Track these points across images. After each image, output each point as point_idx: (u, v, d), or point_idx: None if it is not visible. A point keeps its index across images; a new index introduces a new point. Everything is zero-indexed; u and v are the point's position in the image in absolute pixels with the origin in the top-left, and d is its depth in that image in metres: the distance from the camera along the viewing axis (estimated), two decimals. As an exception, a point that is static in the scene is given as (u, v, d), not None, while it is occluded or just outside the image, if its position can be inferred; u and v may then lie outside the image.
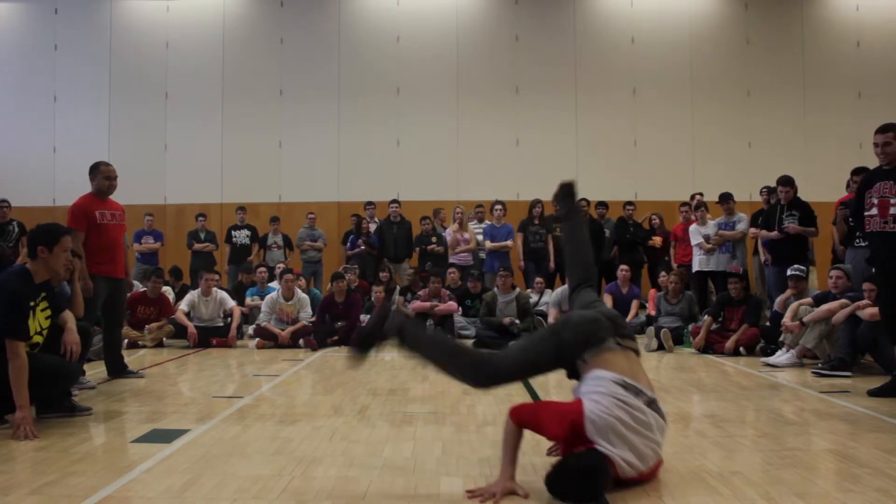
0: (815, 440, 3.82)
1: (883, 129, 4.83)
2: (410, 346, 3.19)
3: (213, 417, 4.29)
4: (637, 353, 3.09)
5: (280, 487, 2.95)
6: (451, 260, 9.96)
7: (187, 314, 8.28)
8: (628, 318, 8.39)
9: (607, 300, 8.78)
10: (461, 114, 12.74)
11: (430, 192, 12.29)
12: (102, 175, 5.73)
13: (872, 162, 5.20)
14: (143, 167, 12.37)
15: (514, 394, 5.13)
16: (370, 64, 12.79)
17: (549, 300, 8.59)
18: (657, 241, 10.16)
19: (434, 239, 10.27)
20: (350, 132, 12.79)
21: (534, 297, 9.14)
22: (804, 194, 8.11)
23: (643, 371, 3.01)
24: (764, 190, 9.53)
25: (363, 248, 10.33)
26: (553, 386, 5.26)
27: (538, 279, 9.53)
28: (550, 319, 8.10)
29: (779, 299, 7.26)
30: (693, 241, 9.20)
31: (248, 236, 11.26)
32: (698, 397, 5.05)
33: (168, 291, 8.94)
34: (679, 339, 7.88)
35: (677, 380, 5.74)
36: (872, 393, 4.93)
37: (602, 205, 10.75)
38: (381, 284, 9.61)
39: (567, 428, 2.77)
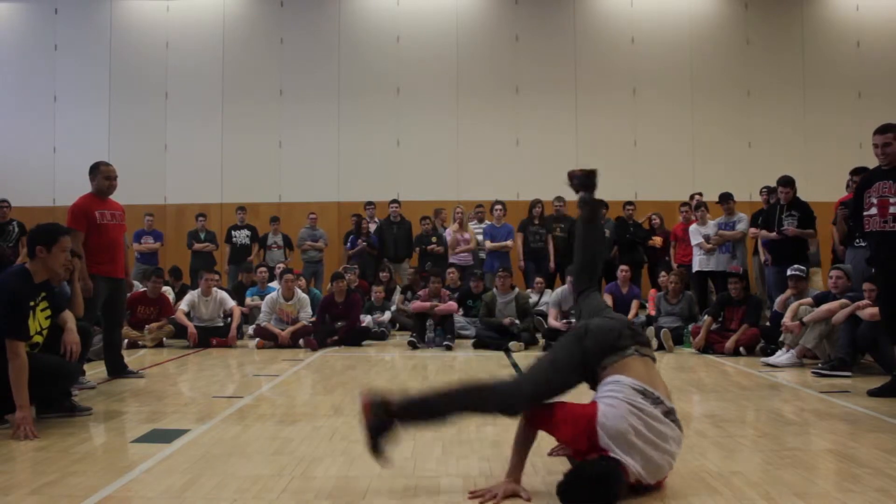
0: (815, 440, 3.82)
1: (882, 130, 4.83)
2: (417, 418, 2.93)
3: (213, 417, 4.29)
4: (654, 360, 3.00)
5: (280, 487, 2.95)
6: (451, 260, 9.97)
7: (187, 314, 8.28)
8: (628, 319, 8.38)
9: (607, 300, 8.77)
10: (461, 114, 12.74)
11: (430, 192, 12.29)
12: (102, 175, 5.73)
13: (872, 162, 5.20)
14: (143, 167, 12.37)
15: (514, 394, 5.13)
16: (370, 64, 12.79)
17: (549, 300, 8.58)
18: (657, 241, 10.16)
19: (434, 239, 10.27)
20: (350, 132, 12.79)
21: (534, 297, 9.13)
22: (804, 194, 8.12)
23: (661, 379, 2.91)
24: (764, 190, 9.54)
25: (363, 245, 10.33)
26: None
27: (538, 279, 9.53)
28: (551, 319, 8.09)
29: (779, 299, 7.26)
30: (693, 241, 9.20)
31: (248, 236, 11.26)
32: (698, 397, 5.05)
33: (168, 291, 8.94)
34: (679, 339, 7.88)
35: (677, 380, 5.74)
36: (872, 393, 4.93)
37: (600, 202, 10.72)
38: (381, 284, 9.62)
39: (580, 432, 2.71)
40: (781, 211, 7.80)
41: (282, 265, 10.20)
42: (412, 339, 8.06)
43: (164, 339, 8.18)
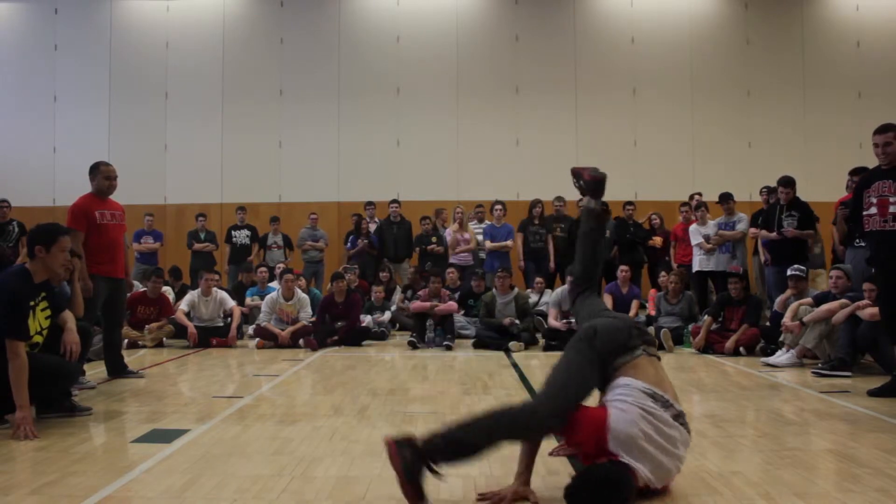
0: (815, 440, 3.82)
1: (882, 130, 4.83)
2: (449, 456, 2.69)
3: (213, 417, 4.29)
4: (659, 359, 2.98)
5: (280, 487, 2.95)
6: (451, 260, 9.97)
7: (187, 314, 8.28)
8: (628, 318, 8.38)
9: (607, 300, 8.78)
10: (461, 114, 12.74)
11: (430, 192, 12.29)
12: (102, 175, 5.73)
13: (872, 162, 5.19)
14: (143, 167, 12.37)
15: (514, 394, 5.13)
16: (370, 64, 12.80)
17: (549, 300, 8.58)
18: (657, 241, 10.16)
19: (434, 239, 10.27)
20: (350, 132, 12.79)
21: (534, 298, 9.13)
22: (804, 194, 8.11)
23: (668, 380, 2.89)
24: (764, 190, 9.54)
25: (363, 244, 10.34)
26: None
27: (538, 279, 9.53)
28: (551, 319, 8.10)
29: (779, 299, 7.27)
30: (693, 241, 9.20)
31: (248, 236, 11.26)
32: (698, 397, 5.05)
33: (168, 291, 8.94)
34: (679, 339, 7.89)
35: (677, 380, 5.73)
36: (872, 393, 4.93)
37: (603, 205, 10.71)
38: (381, 284, 9.62)
39: (590, 436, 2.67)
40: (781, 211, 7.80)
41: (282, 265, 10.20)
42: (412, 339, 8.06)
43: (164, 339, 8.18)
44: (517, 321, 8.00)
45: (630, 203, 10.67)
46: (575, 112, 12.70)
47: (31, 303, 3.97)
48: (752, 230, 8.81)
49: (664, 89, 12.69)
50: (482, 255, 10.13)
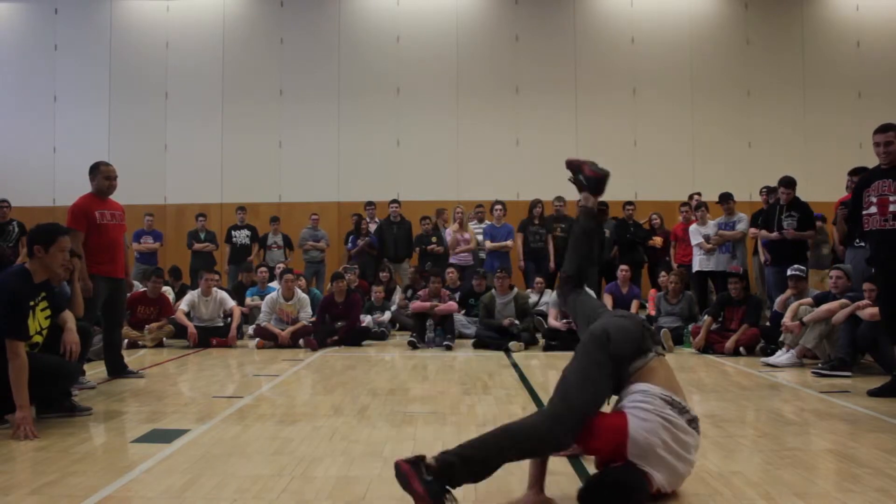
0: (815, 440, 3.82)
1: (883, 129, 4.82)
2: (464, 476, 2.61)
3: (213, 417, 4.29)
4: (664, 356, 2.94)
5: (280, 487, 2.95)
6: (451, 260, 9.97)
7: (187, 314, 8.28)
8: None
9: (607, 300, 8.79)
10: (461, 114, 12.74)
11: (430, 192, 12.29)
12: (102, 175, 5.73)
13: (872, 162, 5.19)
14: (143, 167, 12.37)
15: (514, 394, 5.13)
16: (370, 64, 12.80)
17: (549, 300, 8.58)
18: (657, 241, 10.15)
19: (434, 239, 10.27)
20: (350, 132, 12.79)
21: (534, 298, 9.13)
22: (804, 194, 8.11)
23: (676, 380, 2.87)
24: (763, 190, 9.54)
25: (362, 243, 10.35)
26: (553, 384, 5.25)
27: (538, 279, 9.53)
28: (551, 319, 8.09)
29: (779, 299, 7.27)
30: (693, 241, 9.20)
31: (248, 236, 11.27)
32: (698, 397, 5.05)
33: (168, 291, 8.94)
34: (679, 339, 7.89)
35: (677, 379, 5.73)
36: (872, 393, 4.93)
37: (602, 205, 10.74)
38: (381, 284, 9.62)
39: (610, 443, 2.62)
40: (781, 211, 7.79)
41: (282, 265, 10.20)
42: (412, 339, 8.06)
43: (164, 339, 8.18)
44: (517, 321, 8.00)
45: (630, 203, 10.67)
46: (575, 112, 12.70)
47: (31, 303, 3.97)
48: (752, 230, 8.81)
49: (664, 89, 12.69)
50: (482, 255, 10.13)
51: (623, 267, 9.12)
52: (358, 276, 9.58)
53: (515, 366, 6.58)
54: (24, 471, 3.23)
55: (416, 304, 8.45)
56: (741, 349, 7.13)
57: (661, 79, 12.69)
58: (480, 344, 7.97)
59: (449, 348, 7.83)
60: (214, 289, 8.48)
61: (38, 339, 4.06)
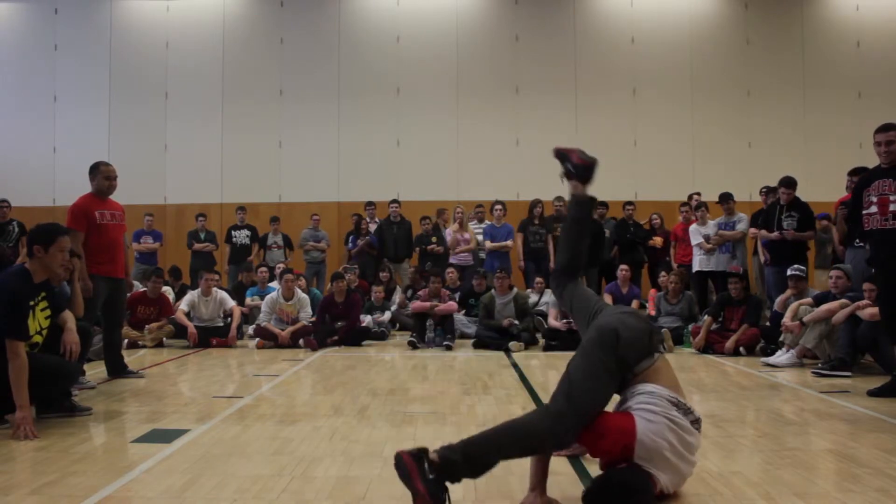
0: (815, 440, 3.82)
1: (885, 129, 4.80)
2: (469, 472, 2.60)
3: (213, 417, 4.29)
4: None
5: (280, 487, 2.95)
6: (451, 260, 9.98)
7: (187, 314, 8.28)
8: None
9: (607, 300, 8.77)
10: (461, 114, 12.74)
11: (430, 192, 12.29)
12: (102, 175, 5.73)
13: (872, 162, 5.19)
14: (143, 167, 12.38)
15: (514, 394, 5.13)
16: (370, 64, 12.80)
17: (549, 300, 8.58)
18: (658, 241, 10.15)
19: (434, 239, 10.27)
20: (350, 132, 12.79)
21: (534, 298, 9.13)
22: (804, 194, 8.11)
23: (678, 380, 2.86)
24: (763, 190, 9.53)
25: (362, 243, 10.36)
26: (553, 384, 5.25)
27: (538, 279, 9.53)
28: (551, 319, 8.09)
29: (779, 299, 7.26)
30: (693, 241, 9.20)
31: (248, 236, 11.27)
32: (698, 397, 5.05)
33: (168, 291, 8.94)
34: (679, 339, 7.89)
35: (678, 379, 5.73)
36: (872, 393, 4.93)
37: (602, 205, 10.74)
38: (381, 284, 9.62)
39: (617, 445, 2.60)
40: (781, 211, 7.79)
41: (282, 265, 10.20)
42: (412, 339, 8.06)
43: (164, 339, 8.18)
44: (516, 322, 8.00)
45: (630, 203, 10.67)
46: (575, 112, 12.70)
47: (31, 303, 3.97)
48: (752, 230, 8.81)
49: (664, 89, 12.69)
50: (482, 255, 10.13)
51: (623, 267, 9.12)
52: (358, 276, 9.58)
53: (515, 366, 6.58)
54: (24, 471, 3.23)
55: (416, 304, 8.45)
56: (741, 349, 7.13)
57: (661, 79, 12.69)
58: (480, 344, 7.97)
59: (449, 348, 7.83)
60: (214, 289, 8.48)
61: (38, 339, 4.06)
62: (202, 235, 11.31)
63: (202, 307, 8.34)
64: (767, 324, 7.46)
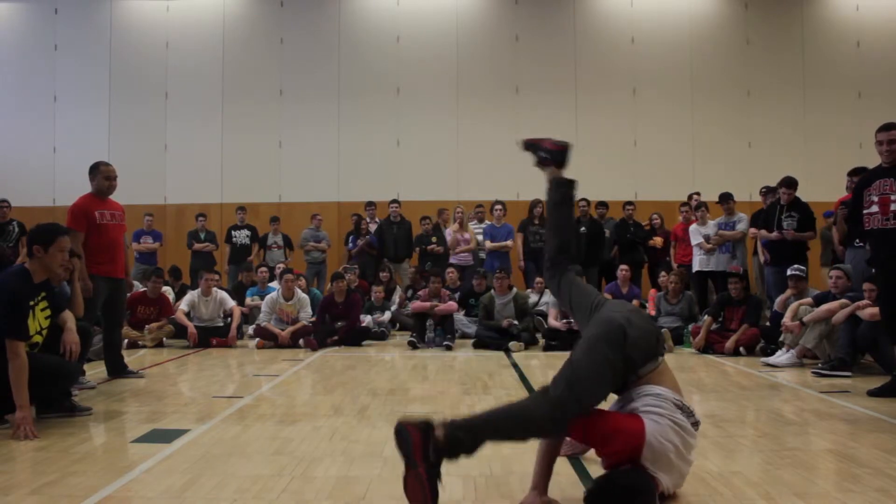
0: (815, 440, 3.82)
1: (887, 128, 4.78)
2: (469, 451, 2.56)
3: (213, 417, 4.29)
4: None
5: (280, 487, 2.95)
6: (451, 260, 9.98)
7: (187, 314, 8.28)
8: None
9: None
10: (461, 114, 12.74)
11: (430, 192, 12.29)
12: (102, 175, 5.73)
13: (872, 162, 5.18)
14: (143, 167, 12.38)
15: (514, 395, 5.13)
16: (370, 64, 12.80)
17: (549, 300, 8.58)
18: (658, 241, 10.14)
19: (434, 239, 10.27)
20: (350, 132, 12.79)
21: (534, 298, 9.13)
22: (804, 194, 8.11)
23: (677, 381, 2.85)
24: (763, 190, 9.53)
25: (361, 243, 10.37)
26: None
27: (538, 279, 9.52)
28: (551, 319, 8.09)
29: (779, 299, 7.26)
30: (693, 241, 9.20)
31: (248, 236, 11.27)
32: (698, 397, 5.05)
33: (168, 291, 8.94)
34: (679, 339, 7.89)
35: (677, 380, 5.73)
36: (872, 393, 4.93)
37: (602, 205, 10.75)
38: (381, 284, 9.62)
39: (627, 447, 2.59)
40: (781, 211, 7.80)
41: (282, 265, 10.20)
42: (412, 339, 8.06)
43: (164, 339, 8.18)
44: (516, 322, 8.00)
45: (630, 203, 10.66)
46: (575, 112, 12.70)
47: (31, 303, 3.97)
48: (752, 230, 8.81)
49: (664, 89, 12.69)
50: (482, 255, 10.13)
51: (623, 267, 9.12)
52: (358, 276, 9.58)
53: (515, 366, 6.58)
54: (24, 471, 3.23)
55: (416, 304, 8.45)
56: (741, 349, 7.13)
57: (661, 79, 12.69)
58: (480, 344, 7.97)
59: (449, 348, 7.83)
60: (214, 289, 8.48)
61: (38, 339, 4.06)
62: (202, 235, 11.31)
63: (202, 307, 8.34)
64: (767, 324, 7.46)
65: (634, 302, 8.79)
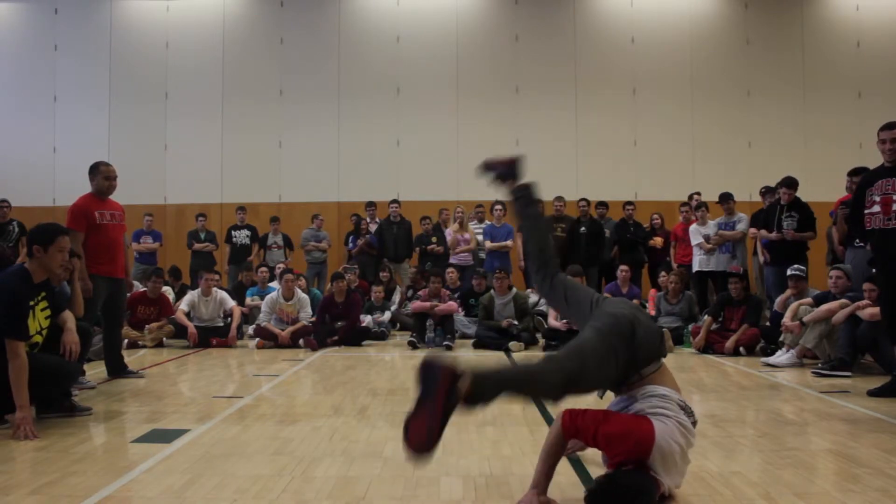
0: (815, 440, 3.82)
1: (890, 126, 4.74)
2: (488, 401, 2.51)
3: (213, 417, 4.29)
4: None
5: (280, 487, 2.95)
6: (451, 260, 9.98)
7: (187, 314, 8.28)
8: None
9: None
10: (461, 114, 12.74)
11: (430, 192, 12.29)
12: (102, 175, 5.73)
13: (872, 162, 5.17)
14: (143, 167, 12.38)
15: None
16: (370, 64, 12.80)
17: (549, 300, 8.57)
18: (658, 241, 10.14)
19: (434, 239, 10.27)
20: (350, 132, 12.79)
21: (534, 298, 9.12)
22: (804, 194, 8.12)
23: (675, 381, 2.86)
24: (763, 190, 9.53)
25: (361, 243, 10.37)
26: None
27: (538, 279, 9.52)
28: (551, 319, 8.09)
29: (779, 299, 7.26)
30: (693, 241, 9.20)
31: (248, 236, 11.27)
32: (698, 397, 5.05)
33: (168, 291, 8.94)
34: (679, 339, 7.88)
35: (677, 380, 5.69)
36: (872, 393, 4.93)
37: (602, 205, 10.74)
38: (381, 284, 9.62)
39: (636, 448, 2.57)
40: (781, 211, 7.79)
41: (282, 265, 10.20)
42: (412, 339, 8.06)
43: (164, 339, 8.18)
44: (516, 322, 7.99)
45: (630, 203, 10.66)
46: (575, 112, 12.70)
47: (31, 303, 3.97)
48: (752, 230, 8.81)
49: (664, 89, 12.69)
50: (482, 255, 10.13)
51: (623, 267, 9.11)
52: (358, 276, 9.58)
53: (515, 366, 6.57)
54: (24, 471, 3.23)
55: (416, 304, 8.45)
56: (741, 349, 7.13)
57: (661, 79, 12.69)
58: (480, 344, 7.96)
59: (449, 348, 7.83)
60: (214, 289, 8.48)
61: (38, 339, 4.06)
62: (202, 235, 11.31)
63: (202, 307, 8.34)
64: (767, 324, 7.46)
65: (634, 302, 8.79)
